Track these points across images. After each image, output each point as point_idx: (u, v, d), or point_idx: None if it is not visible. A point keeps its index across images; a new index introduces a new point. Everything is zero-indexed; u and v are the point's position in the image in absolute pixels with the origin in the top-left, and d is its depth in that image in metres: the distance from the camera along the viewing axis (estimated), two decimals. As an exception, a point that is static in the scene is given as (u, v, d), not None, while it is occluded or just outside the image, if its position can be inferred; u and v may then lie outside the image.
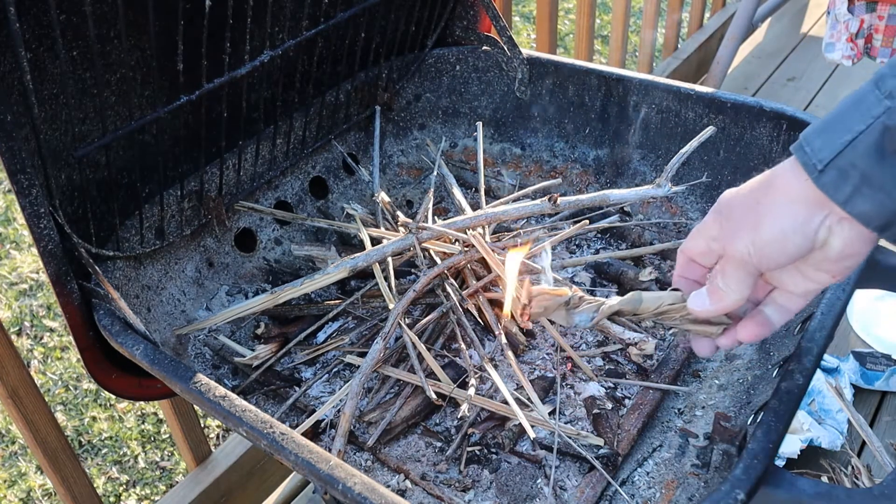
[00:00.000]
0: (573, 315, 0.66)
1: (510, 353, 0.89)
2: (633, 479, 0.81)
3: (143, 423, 1.87)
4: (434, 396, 0.83)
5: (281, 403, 0.90)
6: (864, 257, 0.55)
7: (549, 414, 0.86)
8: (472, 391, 0.85)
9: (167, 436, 1.84)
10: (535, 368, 0.92)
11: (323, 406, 0.87)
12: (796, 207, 0.53)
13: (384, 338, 0.87)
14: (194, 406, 1.30)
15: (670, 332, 0.97)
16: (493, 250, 0.92)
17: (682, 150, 0.89)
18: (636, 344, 0.91)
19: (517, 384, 0.89)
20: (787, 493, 0.61)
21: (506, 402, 0.83)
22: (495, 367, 0.90)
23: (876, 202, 0.49)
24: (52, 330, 2.12)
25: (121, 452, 1.80)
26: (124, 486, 1.74)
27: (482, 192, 1.08)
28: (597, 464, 0.80)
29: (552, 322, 0.93)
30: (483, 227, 0.97)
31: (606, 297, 0.68)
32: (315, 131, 1.12)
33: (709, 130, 0.89)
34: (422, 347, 0.87)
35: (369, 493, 0.60)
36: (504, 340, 0.90)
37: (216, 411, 0.69)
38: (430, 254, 0.97)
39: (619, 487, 0.79)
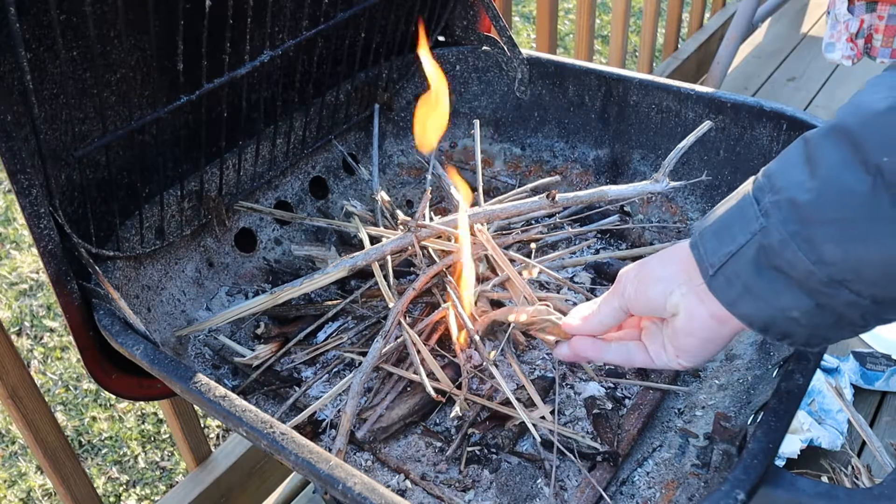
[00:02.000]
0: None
1: (510, 354, 0.89)
2: (633, 479, 0.81)
3: (143, 423, 1.87)
4: (433, 393, 0.83)
5: (281, 403, 0.90)
6: (703, 345, 0.59)
7: (548, 414, 0.86)
8: (464, 390, 0.85)
9: (167, 436, 1.84)
10: (535, 368, 0.92)
11: (319, 401, 0.87)
12: (671, 265, 0.59)
13: (385, 336, 0.87)
14: (194, 406, 1.30)
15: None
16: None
17: (679, 146, 0.89)
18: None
19: (517, 384, 0.89)
20: (787, 493, 0.61)
21: (505, 402, 0.83)
22: (496, 366, 0.90)
23: (755, 308, 0.53)
24: (52, 330, 2.12)
25: (121, 452, 1.80)
26: (124, 486, 1.74)
27: (480, 192, 1.08)
28: (583, 469, 0.80)
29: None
30: (482, 225, 0.97)
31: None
32: (315, 131, 1.12)
33: (706, 125, 0.89)
34: (422, 346, 0.87)
35: (369, 493, 0.60)
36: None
37: (216, 411, 0.69)
38: (429, 252, 0.97)
39: (605, 495, 0.79)
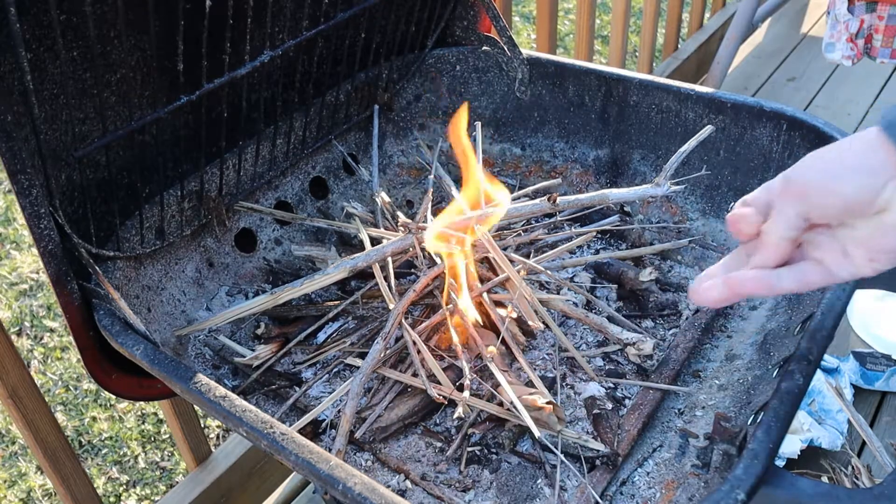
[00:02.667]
0: None
1: (518, 352, 0.89)
2: (633, 479, 0.81)
3: (143, 423, 1.87)
4: (436, 395, 0.83)
5: (281, 403, 0.90)
6: None
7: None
8: (467, 393, 0.85)
9: (167, 436, 1.84)
10: (535, 368, 0.92)
11: (321, 404, 0.87)
12: (870, 155, 0.51)
13: (384, 338, 0.87)
14: (194, 406, 1.30)
15: (670, 332, 0.97)
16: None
17: (681, 150, 0.89)
18: (634, 344, 0.91)
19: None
20: (787, 493, 0.61)
21: (503, 403, 0.83)
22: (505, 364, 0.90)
23: None
24: (52, 330, 2.12)
25: (121, 452, 1.80)
26: (124, 486, 1.74)
27: (481, 193, 1.08)
28: (583, 473, 0.80)
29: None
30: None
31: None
32: (315, 131, 1.12)
33: (707, 129, 0.89)
34: (423, 347, 0.87)
35: (369, 493, 0.60)
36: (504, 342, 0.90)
37: (216, 411, 0.69)
38: (429, 253, 0.97)
39: (600, 501, 0.79)
